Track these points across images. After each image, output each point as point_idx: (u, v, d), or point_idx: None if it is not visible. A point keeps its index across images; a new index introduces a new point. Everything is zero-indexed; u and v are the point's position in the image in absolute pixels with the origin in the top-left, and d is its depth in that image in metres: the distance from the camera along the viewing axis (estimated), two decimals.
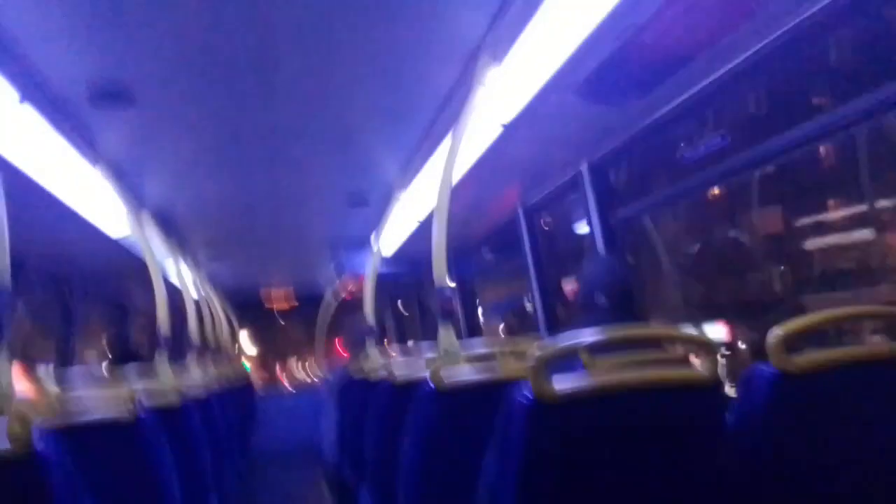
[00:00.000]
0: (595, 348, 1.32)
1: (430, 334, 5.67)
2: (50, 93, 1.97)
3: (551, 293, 3.22)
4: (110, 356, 3.47)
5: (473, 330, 4.52)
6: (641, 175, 2.97)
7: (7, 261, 1.13)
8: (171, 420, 2.23)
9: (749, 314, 3.51)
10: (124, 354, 3.47)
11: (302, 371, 9.09)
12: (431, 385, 1.77)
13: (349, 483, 3.37)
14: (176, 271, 3.99)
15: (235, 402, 5.16)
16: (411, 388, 2.38)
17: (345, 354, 8.56)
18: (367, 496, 2.71)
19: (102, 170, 2.61)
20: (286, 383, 8.79)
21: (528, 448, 1.03)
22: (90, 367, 4.31)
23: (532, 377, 1.07)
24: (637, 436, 1.15)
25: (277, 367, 9.06)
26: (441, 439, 1.77)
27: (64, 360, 3.91)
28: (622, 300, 1.78)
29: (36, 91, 1.91)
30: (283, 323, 8.84)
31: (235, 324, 6.92)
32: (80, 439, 1.16)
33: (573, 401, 1.07)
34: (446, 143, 2.80)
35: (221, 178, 3.35)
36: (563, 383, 1.08)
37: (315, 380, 8.20)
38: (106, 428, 1.76)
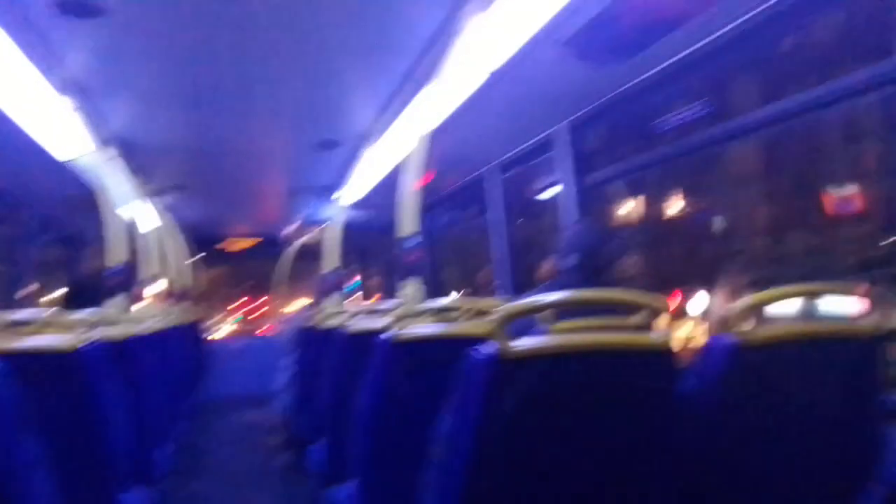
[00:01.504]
0: (558, 308, 1.30)
1: (395, 291, 5.65)
2: None
3: (517, 255, 3.19)
4: (65, 299, 3.28)
5: (437, 289, 4.50)
6: (616, 140, 2.93)
7: None
8: (118, 354, 2.17)
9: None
10: (78, 297, 3.25)
11: (261, 319, 9.03)
12: (390, 337, 1.73)
13: (304, 436, 3.35)
14: (133, 204, 3.86)
15: (186, 345, 5.08)
16: (368, 340, 2.36)
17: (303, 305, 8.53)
18: (321, 450, 2.69)
19: (62, 85, 2.47)
20: (243, 330, 8.72)
21: (487, 404, 1.01)
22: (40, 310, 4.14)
23: (495, 333, 1.04)
24: (594, 398, 1.13)
25: (236, 313, 8.97)
26: (397, 393, 1.75)
27: (7, 299, 3.75)
28: (600, 264, 1.76)
29: None
30: (243, 269, 8.72)
31: (192, 265, 6.78)
32: (22, 368, 1.09)
33: (533, 359, 1.04)
34: (425, 90, 2.73)
35: (189, 109, 3.22)
36: (523, 342, 1.05)
37: (271, 329, 8.14)
38: (47, 357, 1.69)
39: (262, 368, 7.24)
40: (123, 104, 3.00)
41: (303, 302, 8.56)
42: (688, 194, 5.66)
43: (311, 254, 7.27)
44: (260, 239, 7.75)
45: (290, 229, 5.83)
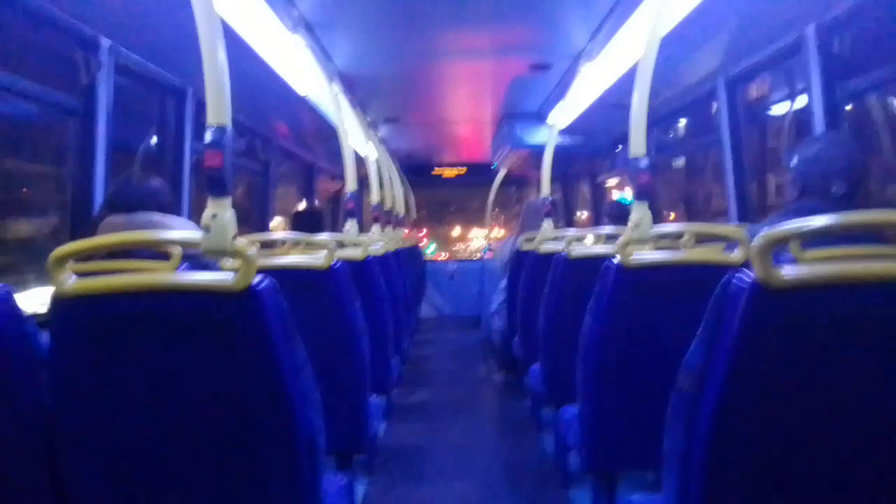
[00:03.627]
0: (826, 234, 1.17)
1: (600, 220, 5.49)
2: None
3: (744, 178, 2.92)
4: (291, 224, 3.60)
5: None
6: (876, 43, 2.51)
7: (228, 109, 1.18)
8: (358, 272, 2.37)
9: None
10: (309, 222, 3.52)
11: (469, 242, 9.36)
12: (617, 262, 1.70)
13: (519, 356, 3.47)
14: (359, 134, 4.12)
15: (409, 266, 5.42)
16: (592, 265, 2.34)
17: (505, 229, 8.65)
18: (538, 370, 2.76)
19: (293, 24, 2.66)
20: (451, 254, 9.10)
21: (746, 335, 0.95)
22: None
23: (756, 261, 0.95)
24: (859, 333, 1.01)
25: (445, 238, 9.38)
26: (626, 319, 1.72)
27: (262, 223, 4.22)
28: (858, 186, 1.56)
29: None
30: (451, 196, 9.03)
31: (410, 192, 7.15)
32: (283, 282, 1.23)
33: (803, 289, 0.95)
34: (644, 3, 2.54)
35: (403, 40, 3.32)
36: (792, 270, 0.96)
37: (480, 253, 8.40)
38: (304, 273, 1.90)
39: (471, 290, 7.61)
40: (345, 40, 3.17)
41: (504, 229, 8.73)
42: None
43: (515, 181, 7.34)
44: (465, 168, 7.96)
45: (500, 156, 5.89)
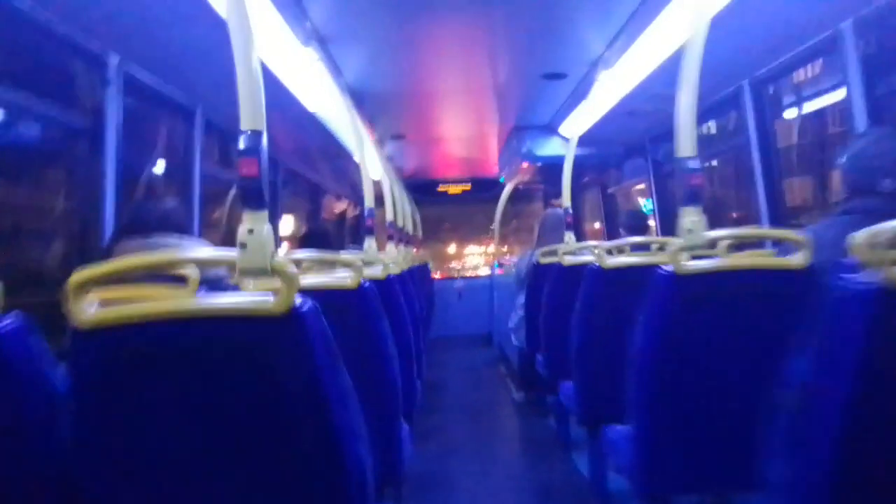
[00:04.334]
0: None
1: (613, 231, 5.39)
2: None
3: (776, 181, 2.83)
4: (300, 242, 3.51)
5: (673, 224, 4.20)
6: None
7: (262, 114, 1.07)
8: (382, 290, 2.26)
9: None
10: (316, 240, 3.43)
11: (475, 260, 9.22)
12: (669, 270, 1.58)
13: (544, 374, 3.35)
14: (369, 151, 4.03)
15: (421, 285, 5.31)
16: (626, 275, 2.22)
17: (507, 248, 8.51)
18: (570, 389, 2.65)
19: (305, 37, 2.57)
20: (457, 273, 8.96)
21: (873, 345, 0.83)
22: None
23: (871, 260, 0.84)
24: None
25: (449, 255, 9.25)
26: (680, 331, 1.60)
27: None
28: None
29: None
30: (456, 213, 8.91)
31: (415, 210, 7.06)
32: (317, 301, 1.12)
33: None
34: (667, 9, 2.45)
35: (412, 55, 3.24)
36: None
37: (488, 269, 8.26)
38: (333, 294, 1.78)
39: (480, 308, 7.48)
40: (355, 54, 3.09)
41: (509, 244, 8.60)
42: None
43: (514, 196, 7.24)
44: (469, 185, 7.88)
45: (508, 170, 5.80)
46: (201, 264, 1.17)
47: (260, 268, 1.03)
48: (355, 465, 1.14)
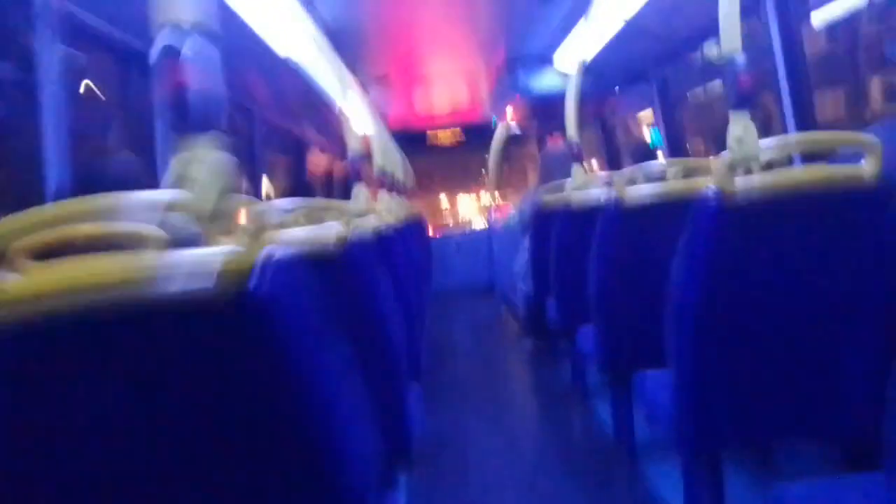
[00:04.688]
0: None
1: (614, 163, 5.12)
2: None
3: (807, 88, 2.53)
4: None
5: (683, 149, 3.92)
6: None
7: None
8: (378, 243, 2.02)
9: None
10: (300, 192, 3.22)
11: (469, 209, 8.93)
12: (717, 191, 1.32)
13: (557, 321, 3.11)
14: (351, 95, 3.72)
15: (420, 238, 5.07)
16: (649, 208, 1.97)
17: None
18: (589, 335, 2.42)
19: None
20: (453, 223, 8.70)
21: None
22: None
23: None
24: None
25: (442, 207, 8.96)
26: (731, 262, 1.36)
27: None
28: None
29: None
30: (447, 161, 8.57)
31: (405, 158, 6.75)
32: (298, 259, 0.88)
33: None
34: None
35: None
36: None
37: (484, 221, 7.98)
38: (322, 249, 1.52)
39: (479, 258, 7.23)
40: None
41: (503, 192, 8.28)
42: None
43: (512, 139, 6.91)
44: (460, 130, 7.53)
45: (504, 108, 5.48)
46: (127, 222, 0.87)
47: (203, 211, 0.76)
48: (352, 451, 0.91)
